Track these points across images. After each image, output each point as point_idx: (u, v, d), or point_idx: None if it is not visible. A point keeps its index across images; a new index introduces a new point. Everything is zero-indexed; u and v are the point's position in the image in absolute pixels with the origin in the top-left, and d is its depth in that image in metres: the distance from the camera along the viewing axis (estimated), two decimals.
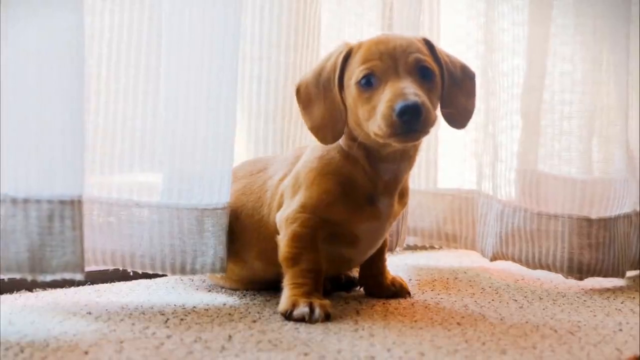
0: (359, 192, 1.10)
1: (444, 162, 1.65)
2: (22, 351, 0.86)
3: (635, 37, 1.55)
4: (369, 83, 1.04)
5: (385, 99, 1.00)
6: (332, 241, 1.12)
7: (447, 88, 1.10)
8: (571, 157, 1.45)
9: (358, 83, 1.05)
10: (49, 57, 0.98)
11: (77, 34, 1.00)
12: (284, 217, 1.11)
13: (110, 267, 1.16)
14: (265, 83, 1.36)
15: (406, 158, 1.11)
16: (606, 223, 1.40)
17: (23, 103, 0.97)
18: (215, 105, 1.14)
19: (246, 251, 1.18)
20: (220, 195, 1.15)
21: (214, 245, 1.14)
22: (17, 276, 0.98)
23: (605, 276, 1.40)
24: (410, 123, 0.98)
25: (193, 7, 1.12)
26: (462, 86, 1.12)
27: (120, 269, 1.15)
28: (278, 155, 1.28)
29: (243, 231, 1.18)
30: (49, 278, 0.98)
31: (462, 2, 1.61)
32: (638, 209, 1.48)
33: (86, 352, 0.87)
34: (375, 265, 1.23)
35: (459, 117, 1.12)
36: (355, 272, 1.30)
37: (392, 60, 1.04)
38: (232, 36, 1.14)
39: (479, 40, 1.55)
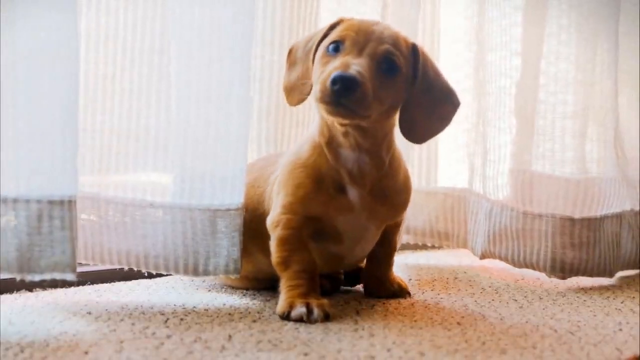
0: (327, 182, 1.10)
1: (441, 161, 1.65)
2: (22, 351, 0.86)
3: (635, 37, 1.56)
4: (336, 49, 1.06)
5: (331, 66, 1.02)
6: (318, 238, 1.12)
7: (415, 98, 1.09)
8: (555, 156, 1.45)
9: (326, 47, 1.07)
10: (39, 57, 0.98)
11: (70, 34, 0.99)
12: (271, 221, 1.12)
13: (126, 267, 1.16)
14: (259, 82, 1.36)
15: (364, 149, 1.10)
16: (590, 223, 1.40)
17: (13, 103, 0.97)
18: (227, 104, 1.14)
19: (252, 243, 1.18)
20: (233, 195, 1.15)
21: (227, 247, 1.14)
22: (6, 275, 0.99)
23: (590, 276, 1.40)
24: (340, 94, 0.99)
25: (203, 5, 1.12)
26: (439, 107, 1.12)
27: (135, 269, 1.16)
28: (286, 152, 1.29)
29: (250, 223, 1.18)
30: (37, 278, 0.98)
31: (462, 2, 1.61)
32: (637, 209, 1.48)
33: (86, 352, 0.87)
34: (381, 266, 1.23)
35: (418, 131, 1.12)
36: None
37: (364, 39, 1.05)
38: (242, 35, 1.14)
39: (471, 41, 1.55)
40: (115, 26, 1.14)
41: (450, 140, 1.64)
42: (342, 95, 0.99)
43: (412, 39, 1.14)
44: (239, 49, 1.14)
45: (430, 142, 1.60)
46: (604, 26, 1.44)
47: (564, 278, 1.40)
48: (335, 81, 0.99)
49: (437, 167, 1.63)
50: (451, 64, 1.59)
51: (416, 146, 1.57)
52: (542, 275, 1.47)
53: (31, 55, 0.97)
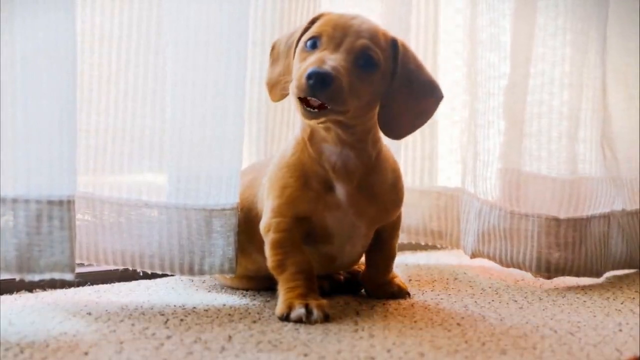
0: (313, 179, 1.10)
1: (439, 161, 1.65)
2: (22, 352, 0.86)
3: (628, 37, 1.55)
4: (313, 45, 1.05)
5: (308, 62, 1.02)
6: (309, 240, 1.12)
7: (395, 92, 1.08)
8: (542, 156, 1.45)
9: (305, 42, 1.07)
10: (38, 56, 0.98)
11: (69, 34, 1.00)
12: (263, 226, 1.12)
13: (121, 267, 1.17)
14: (249, 82, 1.36)
15: (347, 144, 1.09)
16: (576, 223, 1.40)
17: (12, 103, 0.97)
18: (223, 104, 1.14)
19: (249, 243, 1.18)
20: (228, 195, 1.15)
21: (222, 246, 1.15)
22: (5, 275, 0.99)
23: (577, 275, 1.41)
24: (314, 89, 0.98)
25: (199, 6, 1.12)
26: (419, 101, 1.11)
27: (130, 268, 1.16)
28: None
29: (246, 224, 1.18)
30: (36, 278, 0.99)
31: (461, 1, 1.60)
32: (628, 209, 1.48)
33: (86, 353, 0.87)
34: (380, 272, 1.23)
35: (396, 126, 1.10)
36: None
37: (341, 34, 1.05)
38: (239, 35, 1.14)
39: (469, 42, 1.55)
40: (110, 26, 1.14)
41: (447, 141, 1.64)
42: (317, 90, 0.98)
43: (404, 35, 1.13)
44: (235, 49, 1.14)
45: (426, 142, 1.60)
46: (592, 25, 1.44)
47: (549, 278, 1.41)
48: (310, 76, 0.98)
49: (432, 166, 1.63)
50: (450, 64, 1.59)
51: (411, 145, 1.58)
52: None
53: (30, 55, 0.97)
